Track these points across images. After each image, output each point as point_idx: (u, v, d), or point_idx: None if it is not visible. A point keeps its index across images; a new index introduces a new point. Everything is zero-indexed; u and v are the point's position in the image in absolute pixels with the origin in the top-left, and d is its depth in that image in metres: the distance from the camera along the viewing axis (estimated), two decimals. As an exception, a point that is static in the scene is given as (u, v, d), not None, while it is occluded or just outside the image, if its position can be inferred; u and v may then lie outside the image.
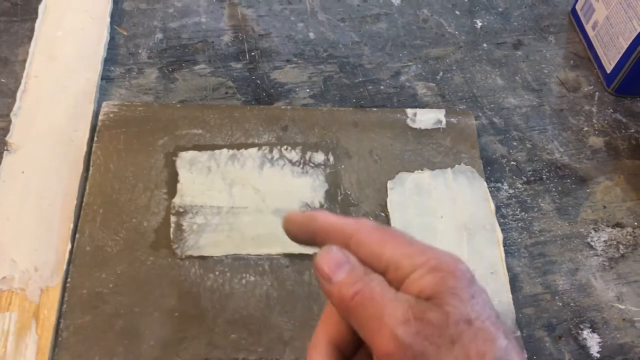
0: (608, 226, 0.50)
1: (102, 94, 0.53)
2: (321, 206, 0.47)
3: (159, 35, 0.58)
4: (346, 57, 0.59)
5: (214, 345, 0.40)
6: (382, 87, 0.57)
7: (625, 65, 0.57)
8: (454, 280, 0.26)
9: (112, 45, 0.57)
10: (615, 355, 0.44)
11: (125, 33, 0.58)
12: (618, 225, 0.50)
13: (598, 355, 0.43)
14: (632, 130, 0.57)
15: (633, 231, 0.50)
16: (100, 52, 0.55)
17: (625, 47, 0.57)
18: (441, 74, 0.59)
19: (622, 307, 0.46)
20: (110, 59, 0.56)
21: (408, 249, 0.28)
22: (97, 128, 0.48)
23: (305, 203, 0.47)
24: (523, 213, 0.50)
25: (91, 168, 0.46)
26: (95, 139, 0.48)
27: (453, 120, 0.53)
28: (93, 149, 0.47)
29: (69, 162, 0.47)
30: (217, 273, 0.43)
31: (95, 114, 0.50)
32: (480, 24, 0.64)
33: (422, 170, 0.50)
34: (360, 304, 0.27)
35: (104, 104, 0.50)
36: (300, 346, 0.40)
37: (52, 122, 0.49)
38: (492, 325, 0.25)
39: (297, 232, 0.32)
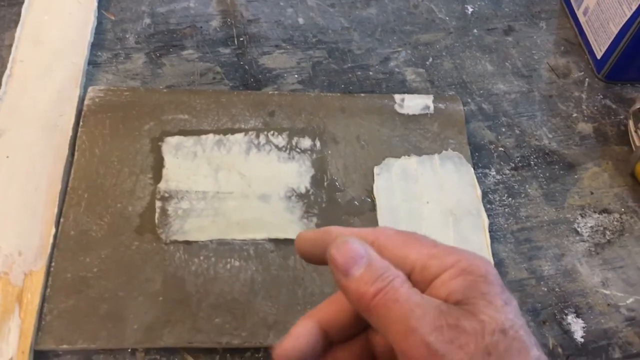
0: (595, 212, 0.50)
1: (89, 79, 0.53)
2: (307, 191, 0.47)
3: (147, 20, 0.58)
4: (335, 42, 0.59)
5: (198, 329, 0.40)
6: (371, 73, 0.57)
7: (615, 51, 0.57)
8: (486, 285, 0.25)
9: (100, 30, 0.56)
10: (599, 340, 0.44)
11: (113, 18, 0.58)
12: (605, 211, 0.50)
13: (582, 340, 0.44)
14: (621, 117, 0.57)
15: (620, 217, 0.50)
16: (87, 36, 0.54)
17: (616, 32, 0.56)
18: (431, 59, 0.59)
19: (607, 292, 0.46)
20: (97, 44, 0.55)
21: (434, 250, 0.26)
22: (83, 113, 0.48)
23: (291, 188, 0.47)
24: (510, 199, 0.50)
25: (76, 153, 0.46)
26: (81, 123, 0.48)
27: (441, 106, 0.53)
28: (78, 133, 0.47)
29: (54, 147, 0.46)
30: (201, 258, 0.43)
31: (81, 99, 0.50)
32: (471, 9, 0.64)
33: (409, 155, 0.50)
34: (383, 305, 0.25)
35: (90, 88, 0.50)
36: (284, 330, 0.40)
37: (38, 106, 0.49)
38: (526, 335, 0.24)
39: (311, 249, 0.29)
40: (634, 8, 0.53)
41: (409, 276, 0.26)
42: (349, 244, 0.26)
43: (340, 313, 0.29)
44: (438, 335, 0.23)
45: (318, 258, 0.29)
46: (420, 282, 0.26)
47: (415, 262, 0.26)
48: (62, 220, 0.43)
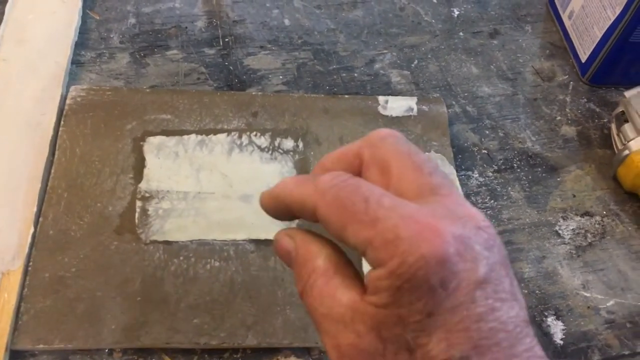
0: (577, 215, 0.50)
1: (72, 78, 0.52)
2: (289, 192, 0.47)
3: (132, 20, 0.58)
4: (321, 44, 0.59)
5: (176, 329, 0.40)
6: (355, 75, 0.57)
7: (599, 55, 0.57)
8: (408, 295, 0.22)
9: (84, 29, 0.56)
10: (579, 342, 0.44)
11: (98, 17, 0.58)
12: (587, 214, 0.51)
13: (561, 342, 0.44)
14: (604, 120, 0.57)
15: (601, 220, 0.50)
16: (71, 36, 0.54)
17: (600, 36, 0.57)
18: (416, 62, 0.59)
19: (588, 294, 0.46)
20: (81, 43, 0.55)
21: (370, 232, 0.23)
22: (64, 112, 0.48)
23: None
24: (492, 201, 0.50)
25: (57, 152, 0.46)
26: (62, 122, 0.47)
27: (424, 108, 0.53)
28: (59, 133, 0.47)
29: (35, 146, 0.46)
30: (181, 258, 0.43)
31: (64, 98, 0.49)
32: (457, 12, 0.64)
33: (391, 157, 0.50)
34: (307, 304, 0.26)
35: (72, 88, 0.49)
36: (263, 331, 0.40)
37: (20, 105, 0.48)
38: (443, 353, 0.22)
39: (274, 211, 0.29)
40: (618, 12, 0.54)
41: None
42: (278, 241, 0.28)
43: None
44: (336, 353, 0.24)
45: (284, 217, 0.29)
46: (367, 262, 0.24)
47: (354, 246, 0.24)
48: (41, 219, 0.43)
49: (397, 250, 0.22)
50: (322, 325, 0.25)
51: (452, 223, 0.23)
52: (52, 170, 0.45)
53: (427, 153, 0.50)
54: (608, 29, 0.55)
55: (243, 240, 0.44)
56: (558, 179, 0.52)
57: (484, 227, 0.24)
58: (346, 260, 0.26)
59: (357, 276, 0.25)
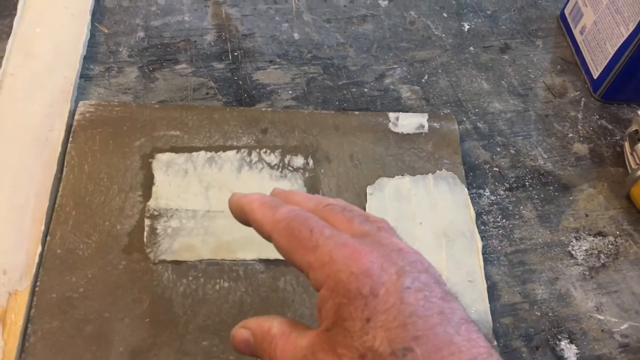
0: (590, 235, 0.50)
1: (81, 92, 0.52)
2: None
3: (141, 34, 0.57)
4: (330, 58, 0.59)
5: (185, 352, 0.39)
6: (365, 90, 0.57)
7: (612, 71, 0.57)
8: (347, 308, 0.26)
9: (92, 43, 0.56)
10: (593, 367, 0.43)
11: (106, 31, 0.57)
12: (600, 234, 0.50)
13: (575, 367, 0.43)
14: (617, 137, 0.56)
15: (615, 240, 0.50)
16: (80, 49, 0.54)
17: (612, 53, 0.56)
18: (426, 77, 0.59)
19: (602, 317, 0.45)
20: (89, 57, 0.55)
21: (311, 257, 0.28)
22: (73, 128, 0.48)
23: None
24: (504, 220, 0.50)
25: (65, 169, 0.46)
26: (71, 139, 0.47)
27: (436, 125, 0.52)
28: (67, 149, 0.47)
29: (43, 163, 0.46)
30: (190, 278, 0.42)
31: (72, 114, 0.49)
32: (467, 26, 0.64)
33: (402, 175, 0.49)
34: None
35: (80, 103, 0.49)
36: (273, 354, 0.40)
37: (27, 121, 0.48)
38: (387, 348, 0.25)
39: (237, 217, 0.36)
40: (631, 29, 0.53)
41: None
42: (234, 336, 0.32)
43: None
44: None
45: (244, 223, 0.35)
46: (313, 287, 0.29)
47: (300, 268, 0.29)
48: (48, 238, 0.42)
49: (331, 270, 0.27)
50: None
51: (376, 248, 0.28)
52: (60, 188, 0.45)
53: (438, 171, 0.50)
54: (621, 45, 0.55)
55: (252, 260, 0.44)
56: (570, 198, 0.52)
57: (406, 250, 0.28)
58: (296, 321, 0.30)
59: (308, 328, 0.29)
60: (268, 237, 0.32)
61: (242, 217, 0.35)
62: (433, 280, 0.27)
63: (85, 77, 0.53)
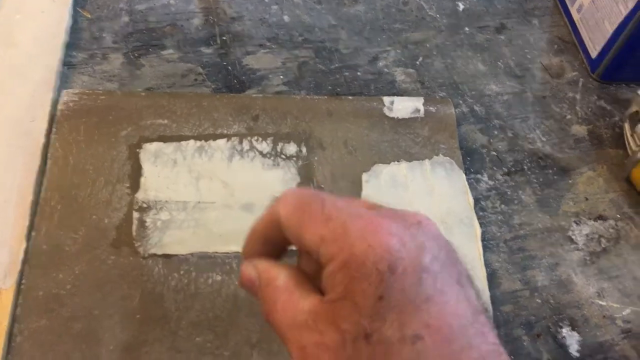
0: (590, 219, 0.49)
1: (64, 81, 0.50)
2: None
3: (125, 19, 0.55)
4: (322, 41, 0.57)
5: (177, 349, 0.38)
6: (359, 74, 0.55)
7: (610, 51, 0.55)
8: (359, 283, 0.24)
9: (75, 29, 0.54)
10: (595, 354, 0.42)
11: (89, 16, 0.55)
12: (600, 217, 0.49)
13: (577, 355, 0.42)
14: (616, 118, 0.55)
15: (615, 224, 0.49)
16: (62, 36, 0.52)
17: (611, 31, 0.55)
18: (421, 59, 0.57)
19: (603, 303, 0.45)
20: (72, 44, 0.53)
21: (324, 231, 0.25)
22: (56, 118, 0.46)
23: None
24: (503, 206, 0.49)
25: (49, 161, 0.44)
26: (54, 130, 0.45)
27: (432, 109, 0.51)
28: (51, 140, 0.45)
29: (26, 155, 0.44)
30: (181, 272, 0.41)
31: (55, 103, 0.47)
32: (462, 6, 0.62)
33: (398, 161, 0.48)
34: (270, 321, 0.27)
35: (64, 92, 0.47)
36: (269, 349, 0.39)
37: (8, 112, 0.46)
38: (397, 332, 0.23)
39: (256, 250, 0.31)
40: (631, 6, 0.52)
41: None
42: (242, 272, 0.29)
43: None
44: (301, 354, 0.25)
45: (273, 253, 0.30)
46: (322, 265, 0.26)
47: (309, 246, 0.26)
48: (33, 234, 0.41)
49: (345, 242, 0.24)
50: (287, 335, 0.26)
51: (394, 220, 0.25)
52: (44, 181, 0.43)
53: (434, 156, 0.48)
54: (620, 24, 0.53)
55: (246, 252, 0.42)
56: (570, 181, 0.51)
57: (426, 223, 0.26)
58: (305, 277, 0.28)
59: (315, 289, 0.27)
60: (279, 227, 0.28)
61: (255, 242, 0.31)
62: (452, 259, 0.25)
63: (68, 64, 0.51)
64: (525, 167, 0.51)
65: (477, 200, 0.48)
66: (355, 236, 0.24)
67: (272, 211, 0.28)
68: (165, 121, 0.47)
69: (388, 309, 0.23)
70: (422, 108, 0.51)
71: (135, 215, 0.43)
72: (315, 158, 0.47)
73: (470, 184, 0.48)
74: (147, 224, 0.42)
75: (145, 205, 0.43)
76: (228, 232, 0.43)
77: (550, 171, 0.51)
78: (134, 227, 0.42)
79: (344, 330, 0.24)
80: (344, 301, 0.24)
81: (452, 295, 0.24)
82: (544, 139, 0.53)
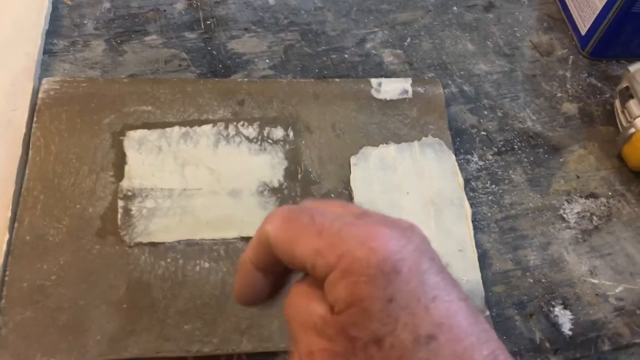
0: (581, 197, 0.48)
1: (45, 69, 0.49)
2: (280, 185, 0.44)
3: (106, 5, 0.54)
4: (308, 24, 0.56)
5: (166, 337, 0.38)
6: (346, 56, 0.54)
7: (600, 27, 0.55)
8: (366, 286, 0.23)
9: (55, 16, 0.53)
10: (588, 332, 0.42)
11: (70, 3, 0.54)
12: (592, 195, 0.49)
13: (570, 333, 0.42)
14: (607, 95, 0.54)
15: (607, 201, 0.48)
16: (42, 23, 0.51)
17: (600, 7, 0.54)
18: (409, 40, 0.56)
19: (595, 281, 0.44)
20: (52, 31, 0.52)
21: (318, 243, 0.24)
22: (37, 107, 0.45)
23: (263, 182, 0.44)
24: (493, 186, 0.48)
25: (31, 151, 0.43)
26: (35, 119, 0.44)
27: (420, 89, 0.50)
28: (32, 130, 0.44)
29: (7, 145, 0.43)
30: (168, 260, 0.40)
31: (36, 92, 0.46)
32: (450, -15, 0.61)
33: (387, 144, 0.47)
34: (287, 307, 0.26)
35: (44, 80, 0.46)
36: (258, 336, 0.38)
37: (-12, 101, 0.45)
38: (410, 335, 0.23)
39: (252, 283, 0.29)
40: (620, -19, 0.51)
41: (308, 273, 0.26)
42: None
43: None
44: None
45: (278, 272, 0.28)
46: (317, 278, 0.25)
47: (303, 260, 0.25)
48: (16, 224, 0.40)
49: (344, 250, 0.24)
50: (298, 334, 0.25)
51: (387, 225, 0.25)
52: (27, 171, 0.42)
53: (424, 138, 0.48)
54: (609, -1, 0.53)
55: (234, 239, 0.42)
56: (561, 160, 0.50)
57: (416, 227, 0.26)
58: (316, 284, 0.26)
59: (324, 298, 0.26)
60: (269, 248, 0.27)
61: (249, 271, 0.28)
62: (440, 261, 0.25)
63: (48, 52, 0.50)
64: (515, 146, 0.50)
65: (467, 181, 0.48)
66: (353, 242, 0.24)
67: (260, 233, 0.27)
68: (149, 108, 0.46)
69: (399, 310, 0.23)
70: (410, 89, 0.50)
71: (120, 203, 0.42)
72: (303, 142, 0.46)
73: (460, 165, 0.48)
74: (132, 213, 0.42)
75: (130, 194, 0.42)
76: (215, 219, 0.42)
77: (541, 150, 0.51)
78: (119, 215, 0.41)
79: (354, 337, 0.23)
80: (352, 309, 0.23)
81: (454, 293, 0.24)
82: (534, 118, 0.52)
